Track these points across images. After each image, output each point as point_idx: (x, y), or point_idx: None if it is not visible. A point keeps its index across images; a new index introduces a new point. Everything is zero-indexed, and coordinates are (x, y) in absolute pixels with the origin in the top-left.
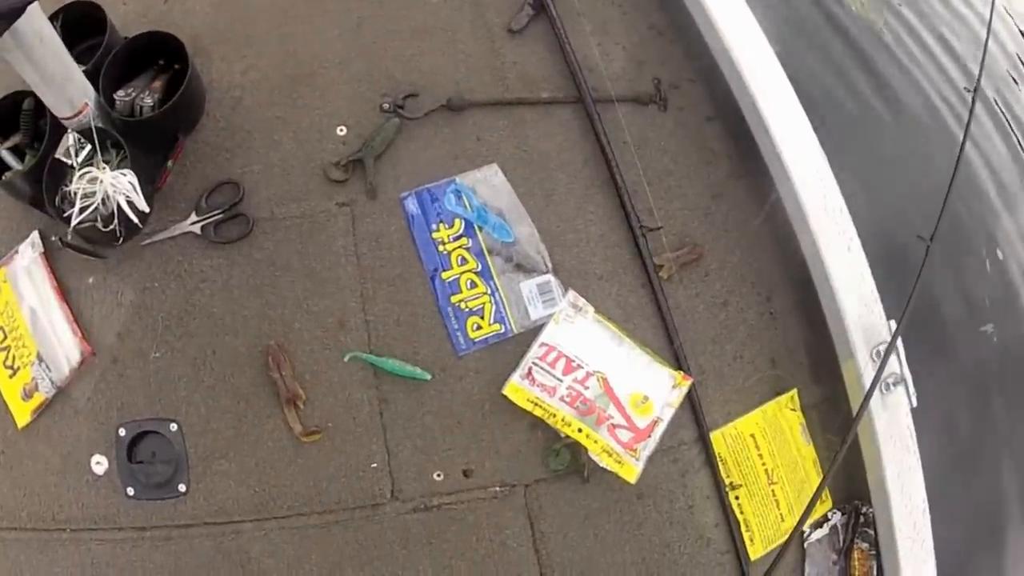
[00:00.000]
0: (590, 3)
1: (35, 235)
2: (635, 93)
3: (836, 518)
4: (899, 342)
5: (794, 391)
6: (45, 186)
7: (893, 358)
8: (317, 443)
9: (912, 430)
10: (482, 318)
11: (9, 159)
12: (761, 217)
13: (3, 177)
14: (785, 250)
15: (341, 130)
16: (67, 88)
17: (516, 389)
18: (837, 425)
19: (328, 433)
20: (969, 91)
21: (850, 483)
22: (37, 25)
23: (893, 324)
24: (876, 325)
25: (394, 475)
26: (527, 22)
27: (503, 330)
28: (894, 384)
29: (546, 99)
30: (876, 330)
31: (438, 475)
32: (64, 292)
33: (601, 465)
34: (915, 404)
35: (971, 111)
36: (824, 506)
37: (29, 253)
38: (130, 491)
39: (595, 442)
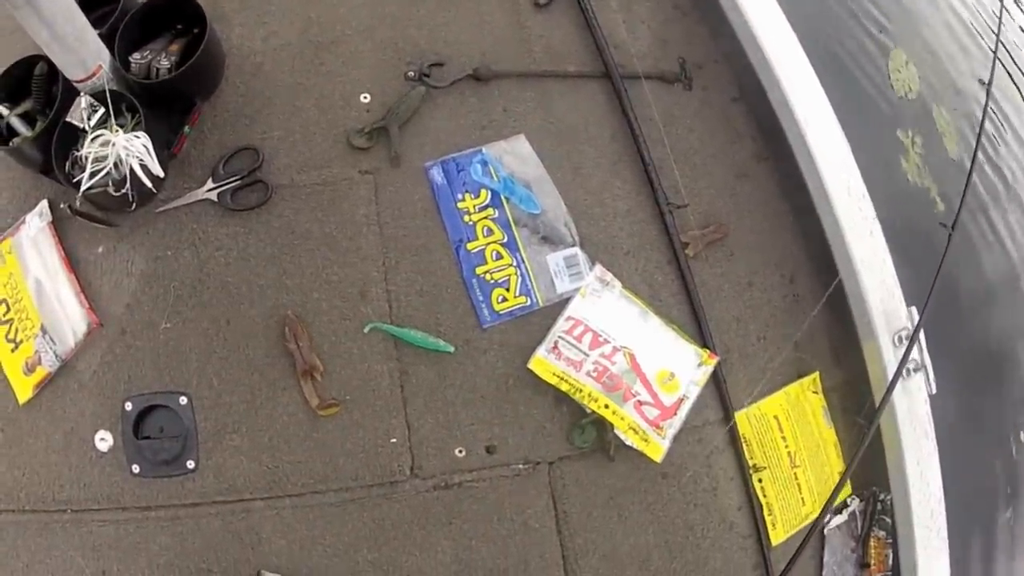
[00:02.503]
0: None
1: (43, 204)
2: (660, 71)
3: (855, 504)
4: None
5: (816, 374)
6: (55, 150)
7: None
8: (334, 417)
9: (930, 417)
10: (508, 290)
11: (19, 126)
12: (784, 199)
13: (11, 143)
14: (808, 233)
15: (365, 98)
16: (80, 49)
17: (541, 363)
18: (857, 409)
19: (346, 407)
20: (983, 84)
21: (868, 468)
22: None
23: (914, 311)
24: (897, 310)
25: (414, 451)
26: None
27: (529, 303)
28: (914, 370)
29: (573, 73)
30: (897, 315)
31: (459, 451)
32: (72, 263)
33: (627, 443)
34: (934, 391)
35: (985, 104)
36: (844, 492)
37: (36, 223)
38: (136, 468)
39: (622, 419)
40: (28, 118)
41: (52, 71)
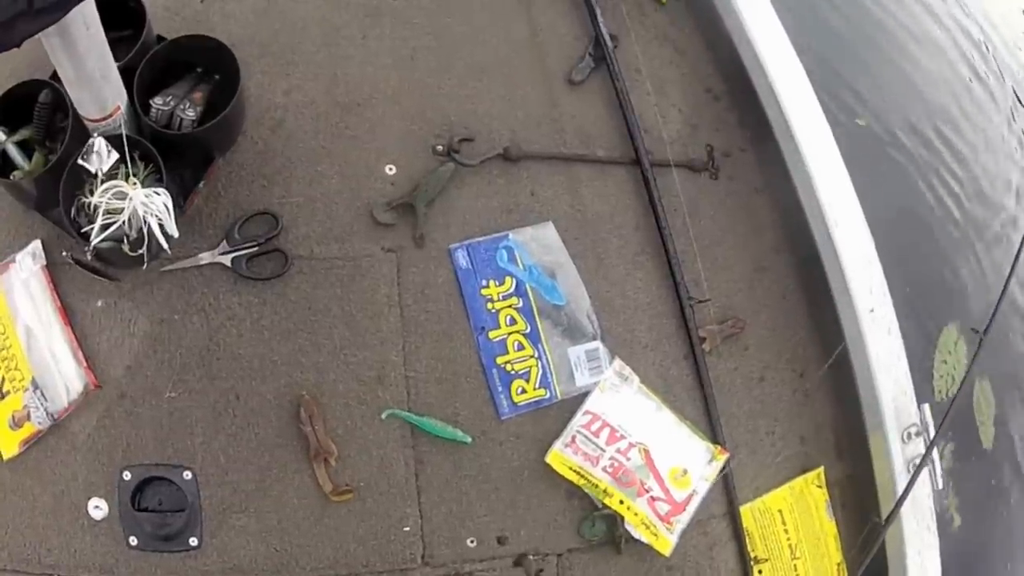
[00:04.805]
0: (649, 61)
1: (37, 245)
2: (689, 159)
3: None
4: (930, 424)
5: (821, 469)
6: (63, 194)
7: (920, 439)
8: (347, 503)
9: (933, 510)
10: (527, 382)
11: (16, 155)
12: (800, 292)
13: (12, 176)
14: (820, 327)
15: (390, 169)
16: (103, 88)
17: (559, 457)
18: (857, 502)
19: (359, 493)
20: None
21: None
22: (88, 10)
23: (926, 408)
24: (908, 407)
25: (426, 540)
26: (588, 74)
27: (548, 396)
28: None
29: (602, 158)
30: (907, 412)
31: (471, 541)
32: (67, 314)
33: (636, 537)
34: (941, 487)
35: None
36: None
37: (29, 264)
38: (133, 540)
39: (635, 514)
40: (24, 146)
41: (56, 99)
